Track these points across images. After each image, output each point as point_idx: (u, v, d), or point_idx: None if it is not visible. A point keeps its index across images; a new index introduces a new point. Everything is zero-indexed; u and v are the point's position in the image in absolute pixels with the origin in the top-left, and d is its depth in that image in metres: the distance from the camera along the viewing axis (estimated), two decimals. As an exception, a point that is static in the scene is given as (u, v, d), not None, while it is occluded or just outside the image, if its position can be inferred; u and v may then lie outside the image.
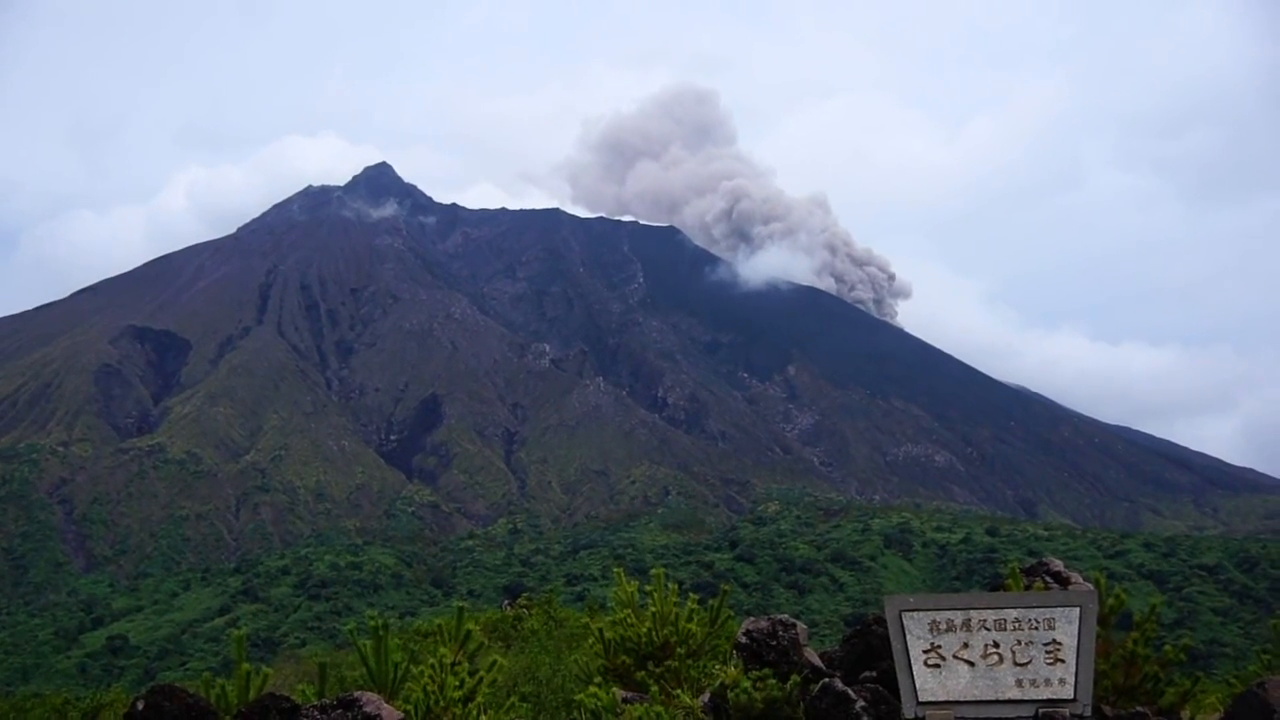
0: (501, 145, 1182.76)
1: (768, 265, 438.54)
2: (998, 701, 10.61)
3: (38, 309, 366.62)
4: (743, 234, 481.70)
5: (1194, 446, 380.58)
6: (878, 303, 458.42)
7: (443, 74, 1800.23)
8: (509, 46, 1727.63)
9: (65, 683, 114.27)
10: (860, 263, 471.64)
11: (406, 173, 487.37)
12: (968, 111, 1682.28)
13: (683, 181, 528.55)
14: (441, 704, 13.05)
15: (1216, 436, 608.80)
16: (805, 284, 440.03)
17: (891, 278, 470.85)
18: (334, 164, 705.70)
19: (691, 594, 16.29)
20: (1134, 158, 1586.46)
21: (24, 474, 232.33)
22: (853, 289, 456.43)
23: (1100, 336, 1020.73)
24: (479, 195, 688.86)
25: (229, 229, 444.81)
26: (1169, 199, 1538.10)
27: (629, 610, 15.88)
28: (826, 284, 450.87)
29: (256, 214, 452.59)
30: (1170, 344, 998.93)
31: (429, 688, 13.17)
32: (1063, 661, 10.56)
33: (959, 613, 10.82)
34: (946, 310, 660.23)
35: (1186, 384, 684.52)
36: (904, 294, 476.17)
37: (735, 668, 13.84)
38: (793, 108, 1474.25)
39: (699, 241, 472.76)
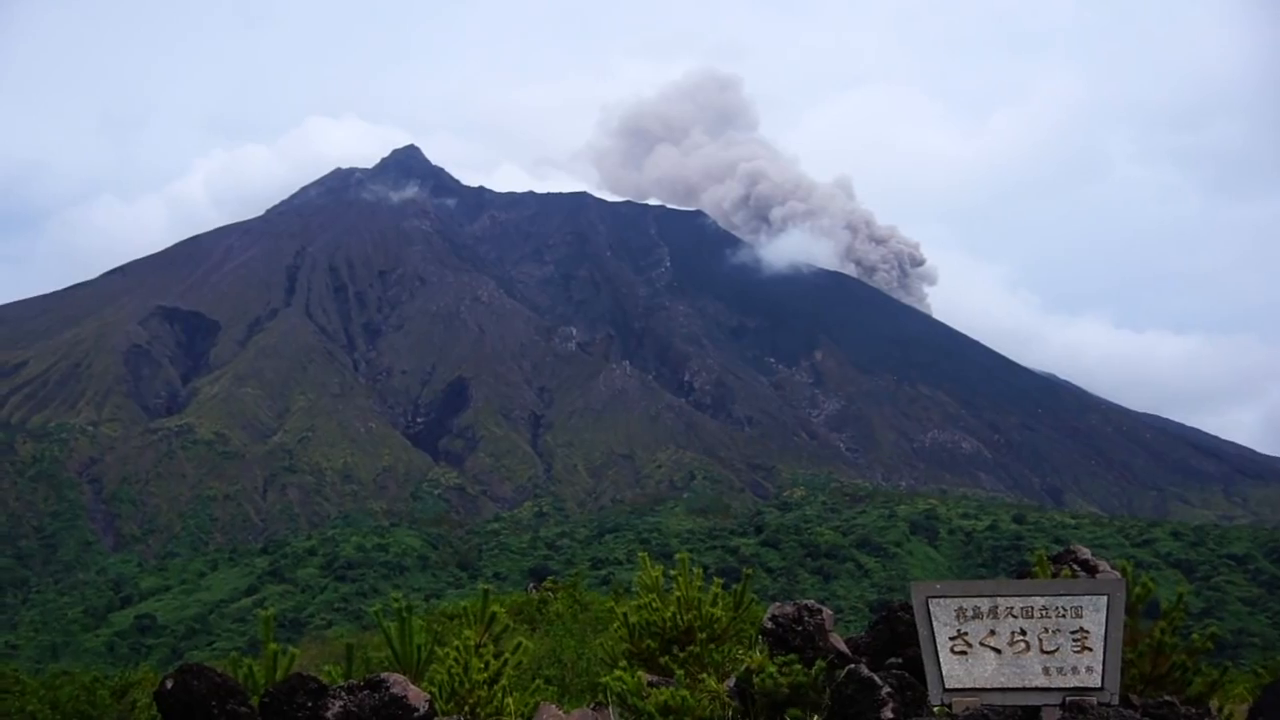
0: (524, 133, 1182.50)
1: (790, 248, 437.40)
2: (1024, 689, 10.59)
3: (67, 289, 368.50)
4: (762, 217, 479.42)
5: (1221, 435, 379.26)
6: (903, 284, 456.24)
7: (463, 63, 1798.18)
8: (530, 35, 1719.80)
9: (94, 661, 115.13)
10: (881, 240, 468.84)
11: (430, 157, 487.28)
12: (989, 103, 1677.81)
13: (701, 167, 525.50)
14: (466, 686, 13.08)
15: (1241, 425, 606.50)
16: (830, 269, 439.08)
17: (920, 263, 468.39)
18: (358, 147, 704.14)
19: (716, 579, 16.26)
20: (1154, 151, 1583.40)
21: (54, 453, 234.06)
22: (874, 272, 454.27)
23: (1124, 324, 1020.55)
24: (503, 178, 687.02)
25: (252, 213, 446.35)
26: (1189, 191, 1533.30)
27: (654, 594, 15.87)
28: (849, 269, 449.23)
29: (280, 198, 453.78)
30: (1194, 332, 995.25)
31: (454, 669, 13.20)
32: (1090, 650, 10.53)
33: (986, 600, 10.79)
34: (967, 295, 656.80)
35: (1211, 372, 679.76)
36: (929, 279, 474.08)
37: (760, 653, 13.83)
38: (815, 99, 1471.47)
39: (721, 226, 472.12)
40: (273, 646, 12.67)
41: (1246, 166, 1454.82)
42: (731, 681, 13.20)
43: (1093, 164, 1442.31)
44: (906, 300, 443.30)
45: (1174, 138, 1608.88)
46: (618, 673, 13.47)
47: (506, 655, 13.76)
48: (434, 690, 12.72)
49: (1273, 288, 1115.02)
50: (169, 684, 10.75)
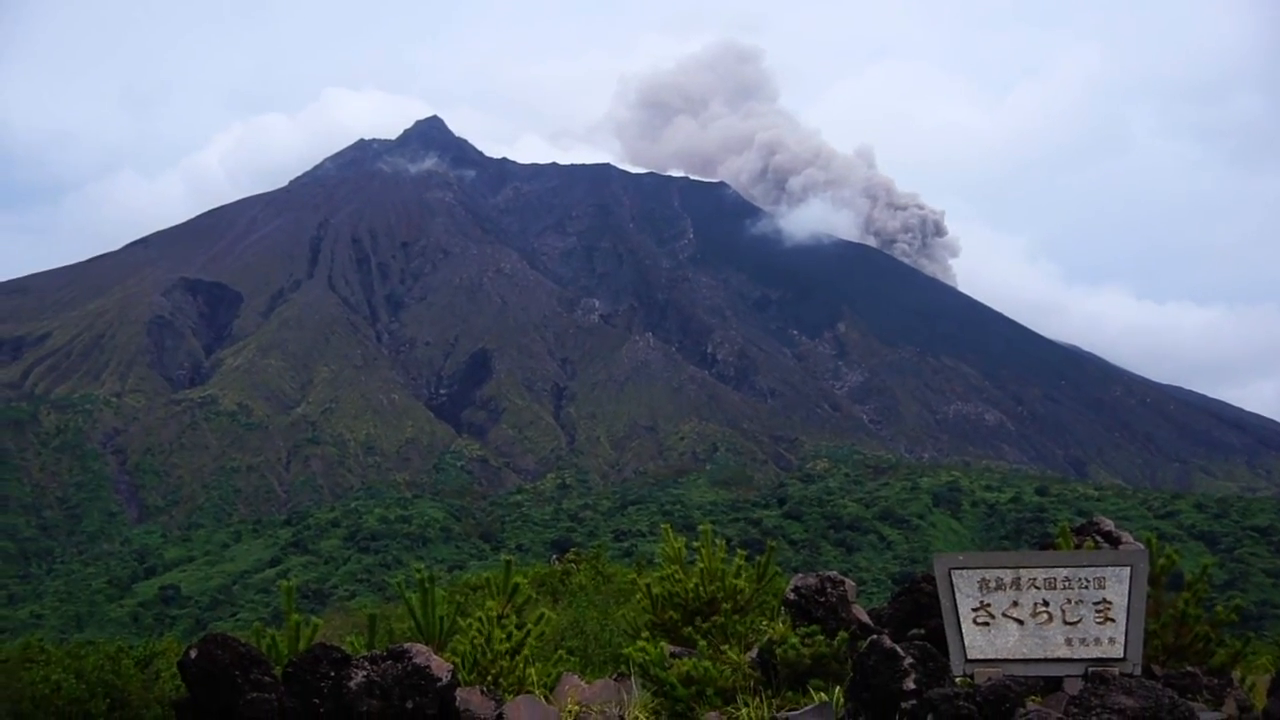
0: (545, 106, 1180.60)
1: (812, 219, 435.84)
2: (1047, 660, 10.57)
3: (90, 260, 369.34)
4: (781, 187, 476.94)
5: (1244, 407, 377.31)
6: (924, 253, 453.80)
7: (484, 37, 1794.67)
8: (551, 9, 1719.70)
9: (118, 631, 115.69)
10: (900, 207, 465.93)
11: (452, 129, 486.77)
12: (1010, 77, 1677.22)
13: (720, 139, 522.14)
14: (489, 656, 13.14)
15: (1264, 396, 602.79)
16: (853, 240, 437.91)
17: (943, 232, 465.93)
18: (379, 119, 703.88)
19: (739, 550, 16.28)
20: (1175, 124, 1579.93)
21: (78, 424, 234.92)
22: (894, 243, 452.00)
23: (1146, 295, 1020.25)
24: (526, 149, 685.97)
25: (272, 185, 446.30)
26: (1210, 164, 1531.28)
27: (677, 566, 15.89)
28: (870, 242, 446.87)
29: (299, 170, 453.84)
30: (1216, 303, 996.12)
31: (477, 640, 13.26)
32: (1113, 621, 10.50)
33: (1009, 571, 10.77)
34: (989, 267, 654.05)
35: (1234, 343, 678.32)
36: (952, 250, 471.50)
37: (783, 624, 13.86)
38: (836, 73, 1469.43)
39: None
40: (295, 617, 12.73)
41: (1267, 140, 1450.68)
42: (754, 652, 13.22)
43: (1114, 137, 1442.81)
44: (930, 271, 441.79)
45: (1195, 111, 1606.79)
46: (640, 643, 13.48)
47: (529, 626, 13.82)
48: (457, 660, 12.78)
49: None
50: (193, 654, 10.80)
